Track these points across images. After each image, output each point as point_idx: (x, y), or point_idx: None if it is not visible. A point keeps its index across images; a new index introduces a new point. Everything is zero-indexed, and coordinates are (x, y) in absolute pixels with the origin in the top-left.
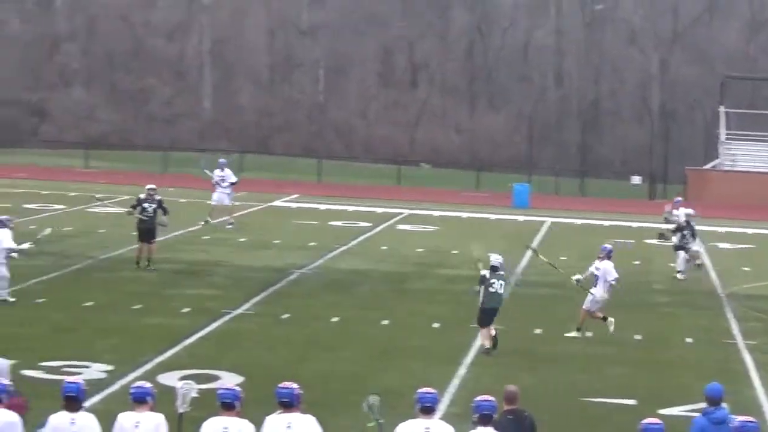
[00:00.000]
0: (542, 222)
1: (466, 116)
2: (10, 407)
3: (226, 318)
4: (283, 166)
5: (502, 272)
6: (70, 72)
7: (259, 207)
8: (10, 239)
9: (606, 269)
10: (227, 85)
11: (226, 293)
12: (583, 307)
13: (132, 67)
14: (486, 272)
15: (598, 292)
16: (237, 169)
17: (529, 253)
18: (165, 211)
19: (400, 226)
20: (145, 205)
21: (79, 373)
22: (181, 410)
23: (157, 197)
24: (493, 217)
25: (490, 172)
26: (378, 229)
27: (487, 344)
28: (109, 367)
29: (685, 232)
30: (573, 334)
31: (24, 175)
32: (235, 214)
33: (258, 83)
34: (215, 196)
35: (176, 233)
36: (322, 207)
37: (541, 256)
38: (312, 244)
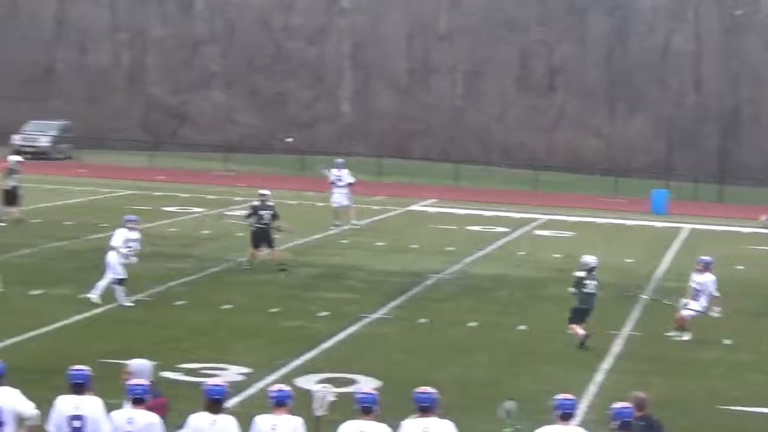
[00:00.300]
0: (680, 228)
1: (604, 121)
2: (151, 408)
3: (364, 322)
4: (421, 171)
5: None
6: (210, 75)
7: (396, 211)
8: (122, 238)
9: (706, 282)
10: (366, 89)
11: (363, 297)
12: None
13: (271, 71)
14: (582, 273)
15: (700, 305)
16: (375, 173)
17: (667, 260)
18: (277, 217)
19: (538, 232)
20: (261, 212)
21: (217, 375)
22: (318, 414)
23: (270, 203)
24: (630, 223)
25: (628, 177)
26: (515, 234)
27: (580, 333)
28: (247, 370)
29: None
30: (676, 334)
31: (164, 177)
32: (374, 218)
33: (396, 87)
34: (335, 197)
35: (314, 236)
36: (460, 211)
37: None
38: (449, 248)
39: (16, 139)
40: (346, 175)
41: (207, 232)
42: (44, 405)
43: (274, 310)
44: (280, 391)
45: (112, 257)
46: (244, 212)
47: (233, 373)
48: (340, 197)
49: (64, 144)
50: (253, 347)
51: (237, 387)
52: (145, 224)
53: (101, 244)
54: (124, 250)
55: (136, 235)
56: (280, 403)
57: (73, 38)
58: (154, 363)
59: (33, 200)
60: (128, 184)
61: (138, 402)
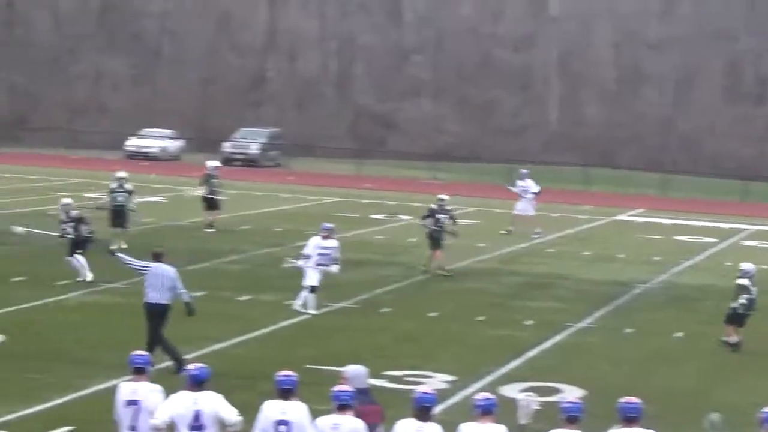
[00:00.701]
0: None
1: None
2: (365, 415)
3: (569, 331)
4: (628, 180)
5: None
6: (418, 84)
7: (603, 221)
8: (313, 246)
9: None
10: (573, 97)
11: (569, 306)
12: None
13: (479, 79)
14: (746, 282)
15: None
16: (582, 182)
17: None
18: (453, 221)
19: (746, 242)
20: (439, 216)
21: (422, 383)
22: (522, 422)
23: (448, 207)
24: None
25: None
26: (723, 244)
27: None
28: (452, 378)
29: None
30: None
31: (370, 185)
32: (581, 227)
33: (603, 95)
34: (519, 205)
35: (521, 245)
36: (667, 221)
37: None
38: (656, 258)
39: (227, 147)
40: (531, 185)
41: (413, 239)
42: (250, 410)
43: (480, 318)
44: (486, 399)
45: (306, 265)
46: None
47: (438, 380)
48: (524, 205)
49: (274, 151)
50: (458, 355)
51: (441, 395)
52: (347, 233)
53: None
54: (315, 258)
55: (332, 243)
56: (485, 412)
57: (283, 47)
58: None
59: (242, 207)
60: (335, 191)
61: (343, 408)
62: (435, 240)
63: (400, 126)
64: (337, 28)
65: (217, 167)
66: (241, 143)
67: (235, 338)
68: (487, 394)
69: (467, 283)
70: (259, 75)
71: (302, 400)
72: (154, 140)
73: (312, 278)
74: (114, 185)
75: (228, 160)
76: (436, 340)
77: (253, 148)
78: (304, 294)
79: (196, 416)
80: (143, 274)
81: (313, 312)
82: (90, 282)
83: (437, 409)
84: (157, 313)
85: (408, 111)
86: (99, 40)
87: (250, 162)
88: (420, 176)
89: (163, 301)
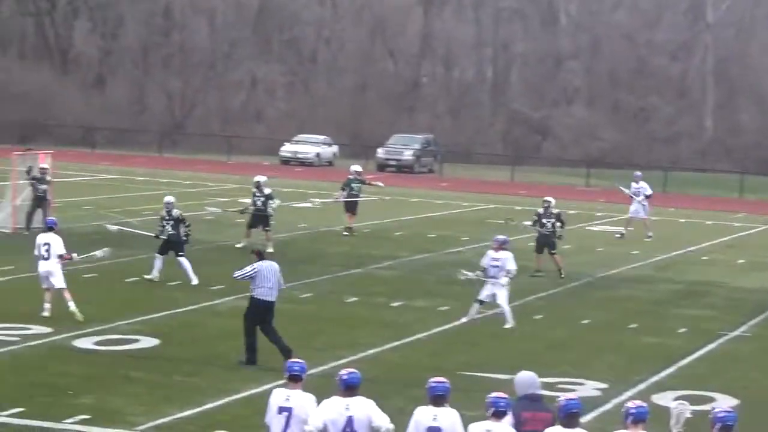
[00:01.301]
0: None
1: None
2: (533, 421)
3: (722, 340)
4: None
5: None
6: (572, 90)
7: (758, 228)
8: (487, 259)
9: None
10: (729, 105)
11: (722, 315)
12: None
13: (634, 86)
14: None
15: None
16: (737, 190)
17: None
18: (563, 224)
19: None
20: (544, 220)
21: (574, 390)
22: (674, 431)
23: (555, 211)
24: None
25: None
26: None
27: None
28: (604, 385)
29: None
30: None
31: (524, 192)
32: (735, 235)
33: (761, 103)
34: (632, 207)
35: (675, 252)
36: None
37: None
38: None
39: (380, 153)
40: (645, 188)
41: (568, 246)
42: (402, 416)
43: (632, 325)
44: (638, 407)
45: (482, 278)
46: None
47: (590, 388)
48: (637, 207)
49: (427, 157)
50: (610, 363)
51: (593, 402)
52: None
53: (461, 258)
54: (489, 271)
55: (504, 254)
56: (637, 420)
57: (438, 53)
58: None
59: (396, 213)
60: (489, 198)
61: (498, 415)
62: (543, 244)
63: (553, 132)
64: (492, 34)
65: (358, 172)
66: (394, 149)
67: (387, 344)
68: (639, 402)
69: (620, 290)
70: (414, 81)
71: (454, 406)
72: (309, 146)
73: (486, 291)
74: (253, 189)
75: (382, 166)
76: (587, 348)
77: (407, 154)
78: (473, 307)
79: (349, 422)
80: (252, 276)
81: (510, 324)
82: (195, 285)
83: (589, 417)
84: (267, 310)
85: (562, 117)
86: (254, 47)
87: (403, 168)
88: (575, 183)
89: (273, 299)
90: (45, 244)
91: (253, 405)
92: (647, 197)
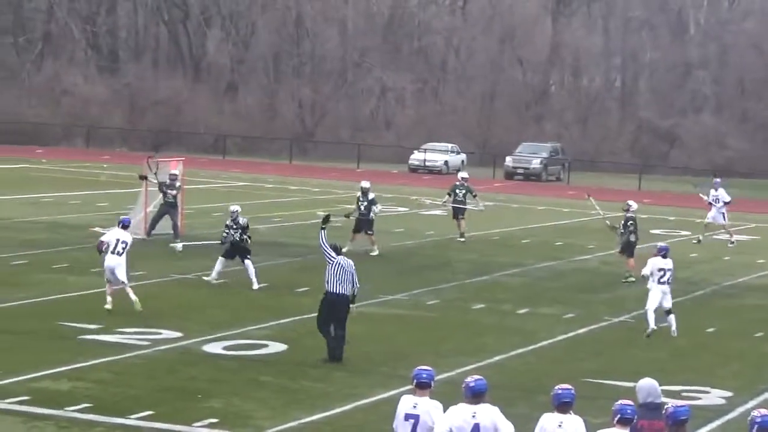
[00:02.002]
0: None
1: None
2: (651, 430)
3: None
4: None
5: None
6: (701, 99)
7: None
8: (651, 267)
9: None
10: None
11: None
12: None
13: (763, 95)
14: None
15: None
16: None
17: None
18: (635, 230)
19: None
20: (628, 224)
21: (698, 398)
22: None
23: (631, 215)
24: None
25: None
26: None
27: None
28: (729, 394)
29: None
30: None
31: (649, 200)
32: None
33: None
34: (710, 214)
35: None
36: None
37: None
38: None
39: (508, 161)
40: (723, 195)
41: (695, 255)
42: (527, 423)
43: (758, 334)
44: (764, 416)
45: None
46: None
47: (714, 396)
48: (715, 214)
49: (555, 166)
50: (735, 371)
51: (718, 411)
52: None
53: (588, 266)
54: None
55: (669, 263)
56: (763, 429)
57: (567, 62)
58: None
59: (524, 221)
60: (616, 206)
61: (624, 422)
62: (628, 247)
63: (681, 140)
64: (620, 43)
65: (464, 178)
66: (522, 157)
67: (513, 351)
68: (765, 411)
69: (746, 299)
70: (542, 89)
71: (578, 413)
72: (438, 154)
73: (654, 299)
74: (358, 194)
75: (510, 175)
76: (713, 356)
77: (535, 163)
78: (648, 317)
79: (475, 429)
80: (327, 261)
81: (674, 332)
82: (256, 290)
83: (713, 425)
84: (341, 304)
85: (689, 126)
86: (384, 56)
87: (531, 176)
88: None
89: (347, 292)
90: (122, 242)
91: (380, 411)
92: (725, 204)
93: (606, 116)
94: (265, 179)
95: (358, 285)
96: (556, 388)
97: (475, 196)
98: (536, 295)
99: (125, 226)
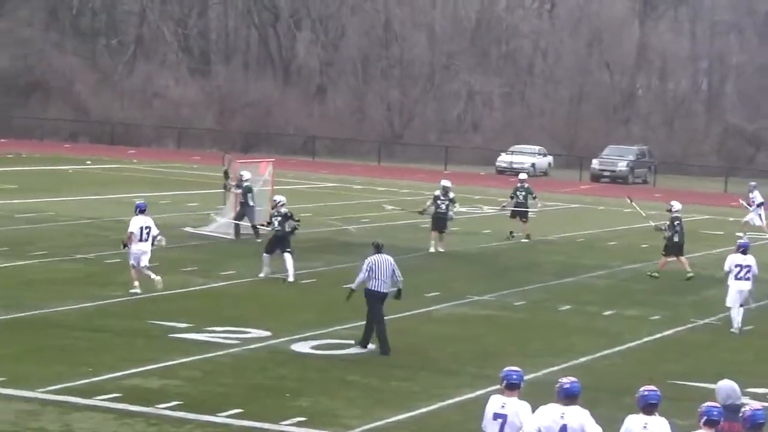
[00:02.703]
0: None
1: None
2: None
3: None
4: None
5: None
6: None
7: None
8: (730, 263)
9: None
10: None
11: None
12: None
13: None
14: None
15: None
16: None
17: None
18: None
19: None
20: (675, 225)
21: None
22: None
23: (676, 215)
24: None
25: None
26: None
27: None
28: None
29: None
30: None
31: (737, 204)
32: None
33: None
34: (748, 216)
35: None
36: None
37: None
38: None
39: (595, 164)
40: (757, 197)
41: None
42: (612, 424)
43: None
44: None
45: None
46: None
47: None
48: (752, 216)
49: (641, 168)
50: None
51: None
52: (711, 250)
53: (673, 268)
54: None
55: (750, 259)
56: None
57: (654, 65)
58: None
59: (610, 223)
60: (702, 209)
61: (711, 424)
62: (673, 247)
63: (767, 144)
64: (707, 47)
65: (523, 180)
66: (608, 160)
67: (599, 352)
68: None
69: None
70: (629, 92)
71: (664, 415)
72: (525, 156)
73: (733, 296)
74: (438, 193)
75: (596, 177)
76: None
77: (621, 165)
78: (733, 315)
79: (562, 430)
80: (369, 266)
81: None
82: (291, 282)
83: None
84: (380, 301)
85: None
86: (472, 59)
87: (617, 179)
88: None
89: (386, 290)
90: (146, 227)
91: (466, 411)
92: (759, 205)
93: (692, 119)
94: (353, 180)
95: (399, 278)
96: (642, 389)
97: (534, 198)
98: (622, 296)
99: (142, 210)
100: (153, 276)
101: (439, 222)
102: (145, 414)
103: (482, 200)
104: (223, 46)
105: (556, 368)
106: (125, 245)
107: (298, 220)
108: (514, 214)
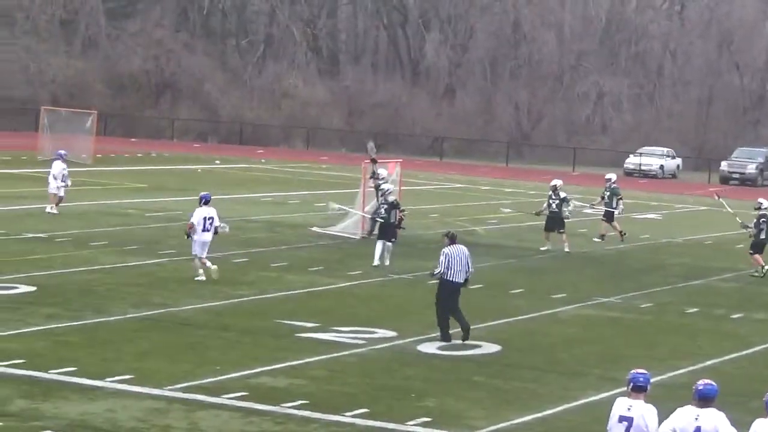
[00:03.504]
0: None
1: None
2: None
3: None
4: None
5: None
6: None
7: None
8: None
9: None
10: None
11: None
12: None
13: None
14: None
15: None
16: None
17: None
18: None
19: None
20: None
21: None
22: None
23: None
24: None
25: None
26: None
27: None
28: None
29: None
30: None
31: None
32: None
33: None
34: None
35: None
36: None
37: None
38: None
39: (724, 166)
40: None
41: None
42: (740, 427)
43: None
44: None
45: None
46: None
47: None
48: None
49: None
50: None
51: None
52: None
53: None
54: None
55: None
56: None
57: None
58: None
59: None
60: None
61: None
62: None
63: None
64: None
65: (609, 179)
66: (738, 162)
67: (726, 355)
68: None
69: None
70: (759, 94)
71: None
72: (653, 158)
73: None
74: (549, 192)
75: (725, 179)
76: None
77: (750, 168)
78: None
79: None
80: (447, 258)
81: None
82: (377, 267)
83: None
84: (457, 291)
85: None
86: (601, 60)
87: (747, 181)
88: None
89: (461, 280)
90: (209, 218)
91: (592, 412)
92: None
93: None
94: (480, 181)
95: (471, 269)
96: None
97: (620, 199)
98: (750, 299)
99: (207, 201)
100: (209, 264)
101: (552, 222)
102: (271, 413)
103: None
104: (352, 46)
105: (682, 371)
106: (188, 235)
107: (404, 210)
108: (605, 217)
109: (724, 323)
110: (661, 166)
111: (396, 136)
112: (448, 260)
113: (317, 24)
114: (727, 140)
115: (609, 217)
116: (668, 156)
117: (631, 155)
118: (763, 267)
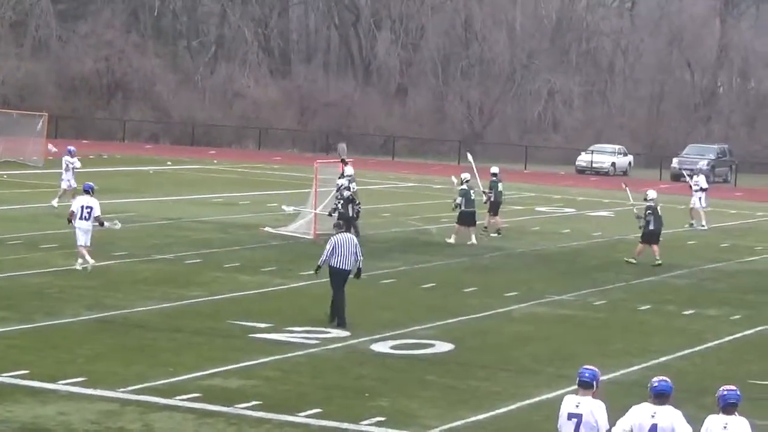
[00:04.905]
0: None
1: None
2: None
3: None
4: None
5: None
6: None
7: None
8: None
9: None
10: None
11: None
12: None
13: None
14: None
15: None
16: None
17: None
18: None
19: None
20: None
21: None
22: None
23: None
24: None
25: None
26: None
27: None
28: None
29: None
30: None
31: None
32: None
33: None
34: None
35: None
36: None
37: None
38: None
39: (675, 163)
40: (701, 181)
41: None
42: (692, 423)
43: None
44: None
45: None
46: None
47: None
48: (694, 199)
49: (722, 167)
50: None
51: None
52: None
53: (755, 267)
54: None
55: None
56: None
57: (735, 63)
58: None
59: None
60: None
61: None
62: (649, 235)
63: None
64: None
65: (495, 173)
66: (689, 159)
67: (678, 352)
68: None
69: None
70: (710, 91)
71: (744, 415)
72: (605, 156)
73: None
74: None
75: (676, 176)
76: None
77: (702, 164)
78: None
79: (653, 429)
80: (332, 245)
81: None
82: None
83: None
84: (343, 278)
85: None
86: (552, 58)
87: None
88: None
89: (349, 267)
90: (88, 207)
91: (545, 410)
92: (703, 190)
93: None
94: (432, 180)
95: (361, 257)
96: (722, 389)
97: (496, 192)
98: (702, 296)
99: (87, 191)
100: (87, 257)
101: (470, 217)
102: (225, 414)
103: (562, 200)
104: (304, 46)
105: (635, 368)
106: (69, 221)
107: (359, 203)
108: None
109: (676, 320)
110: (613, 164)
111: (348, 136)
112: (333, 247)
113: (269, 24)
114: (678, 137)
115: (494, 210)
116: (620, 153)
117: (583, 153)
118: (656, 260)
